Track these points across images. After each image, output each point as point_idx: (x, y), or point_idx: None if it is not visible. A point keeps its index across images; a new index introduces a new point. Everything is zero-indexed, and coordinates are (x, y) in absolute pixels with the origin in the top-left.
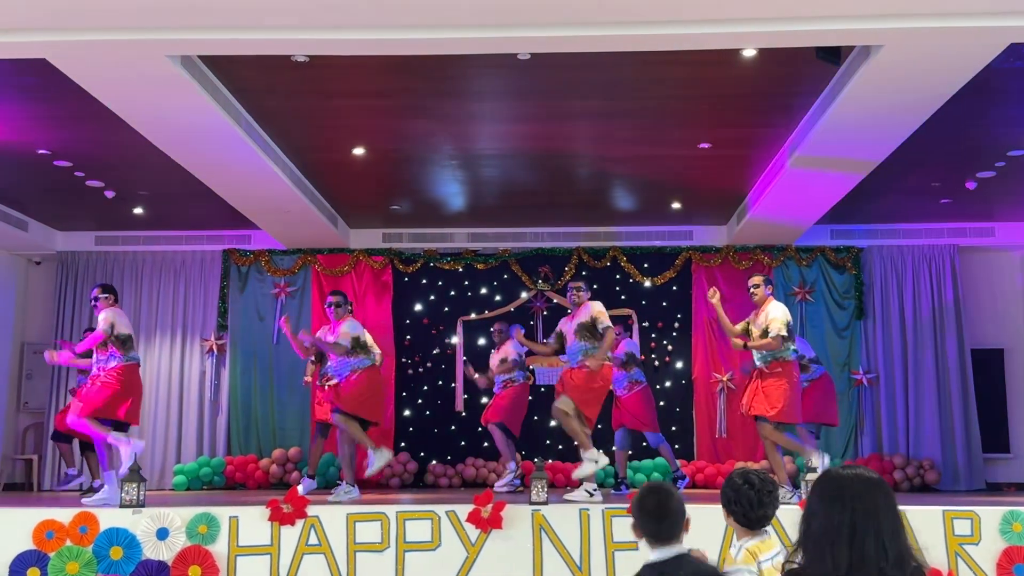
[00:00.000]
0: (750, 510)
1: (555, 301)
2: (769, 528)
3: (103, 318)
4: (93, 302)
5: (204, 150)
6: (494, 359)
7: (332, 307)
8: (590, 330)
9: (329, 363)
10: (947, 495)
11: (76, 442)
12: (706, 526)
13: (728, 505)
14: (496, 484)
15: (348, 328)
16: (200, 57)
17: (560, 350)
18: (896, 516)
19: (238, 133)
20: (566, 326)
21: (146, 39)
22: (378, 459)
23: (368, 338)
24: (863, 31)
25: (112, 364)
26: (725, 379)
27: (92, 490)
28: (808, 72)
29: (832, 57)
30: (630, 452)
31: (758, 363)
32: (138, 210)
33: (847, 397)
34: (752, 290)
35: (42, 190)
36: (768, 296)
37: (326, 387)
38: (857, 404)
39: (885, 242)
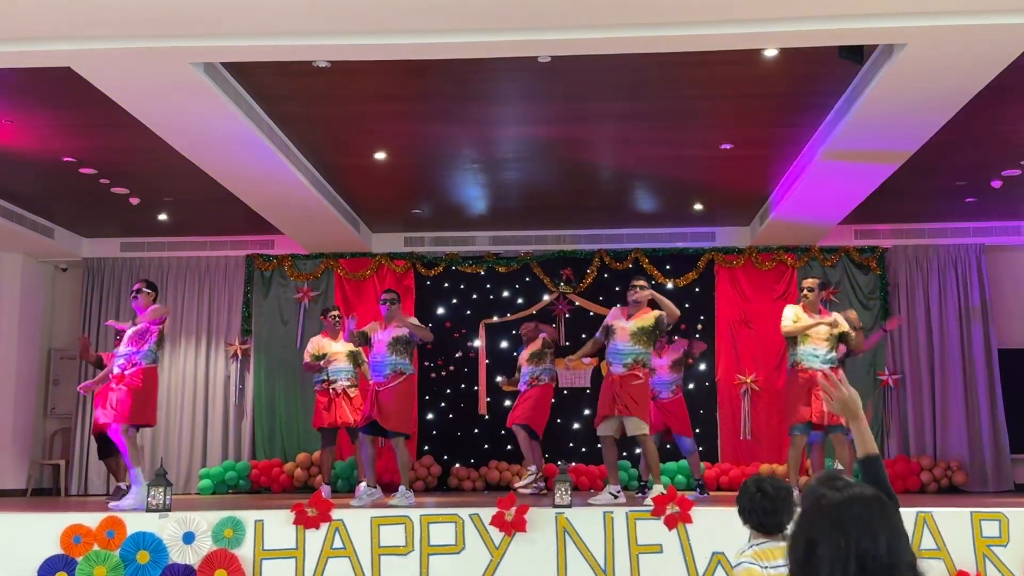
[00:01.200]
0: (764, 518)
1: (577, 304)
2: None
3: (163, 310)
4: (134, 294)
5: (227, 156)
6: (524, 354)
7: (388, 304)
8: (649, 335)
9: (339, 366)
10: (975, 496)
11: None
12: (732, 529)
13: (742, 514)
14: (517, 485)
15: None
16: (223, 64)
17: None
18: (895, 527)
19: (261, 139)
20: (619, 321)
21: (169, 47)
22: (407, 500)
23: None
24: (886, 29)
25: (145, 364)
26: (749, 381)
27: (120, 492)
28: (831, 71)
29: (855, 56)
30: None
31: (821, 365)
32: (162, 216)
33: (873, 398)
34: (807, 292)
35: (68, 197)
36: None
37: (331, 391)
38: (883, 405)
39: (910, 242)
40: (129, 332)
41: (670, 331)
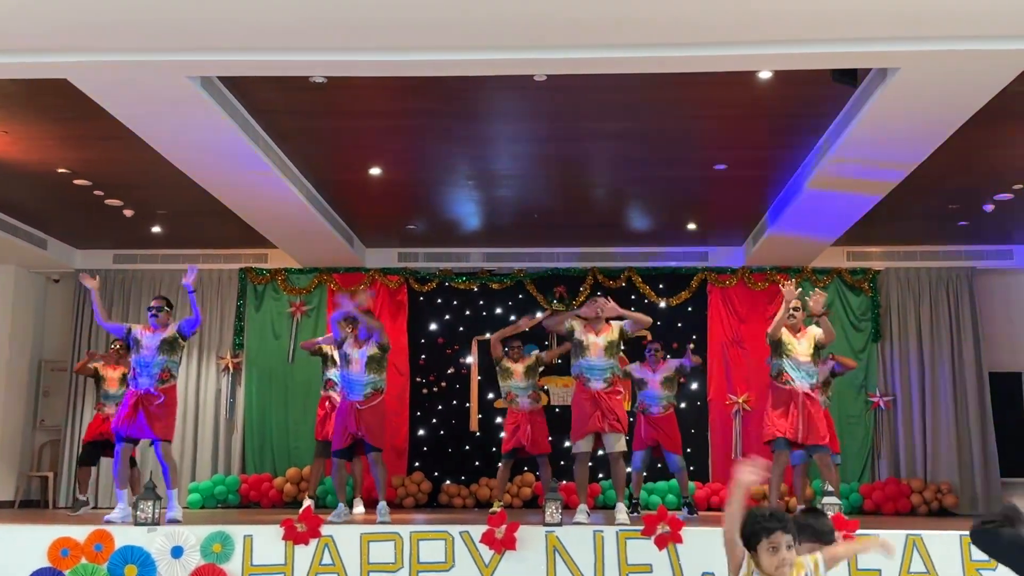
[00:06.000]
0: None
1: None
2: None
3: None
4: (155, 311)
5: (222, 170)
6: (518, 371)
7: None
8: (618, 347)
9: (331, 372)
10: (965, 519)
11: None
12: (722, 549)
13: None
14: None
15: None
16: (220, 78)
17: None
18: None
19: (256, 153)
20: (589, 336)
21: (167, 60)
22: (387, 514)
23: None
24: (879, 54)
25: (173, 379)
26: (740, 400)
27: (80, 504)
28: (824, 94)
29: (848, 79)
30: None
31: (802, 380)
32: (156, 229)
33: (864, 420)
34: (793, 312)
35: (62, 209)
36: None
37: (328, 403)
38: (874, 427)
39: (902, 264)
40: (157, 341)
41: (664, 349)
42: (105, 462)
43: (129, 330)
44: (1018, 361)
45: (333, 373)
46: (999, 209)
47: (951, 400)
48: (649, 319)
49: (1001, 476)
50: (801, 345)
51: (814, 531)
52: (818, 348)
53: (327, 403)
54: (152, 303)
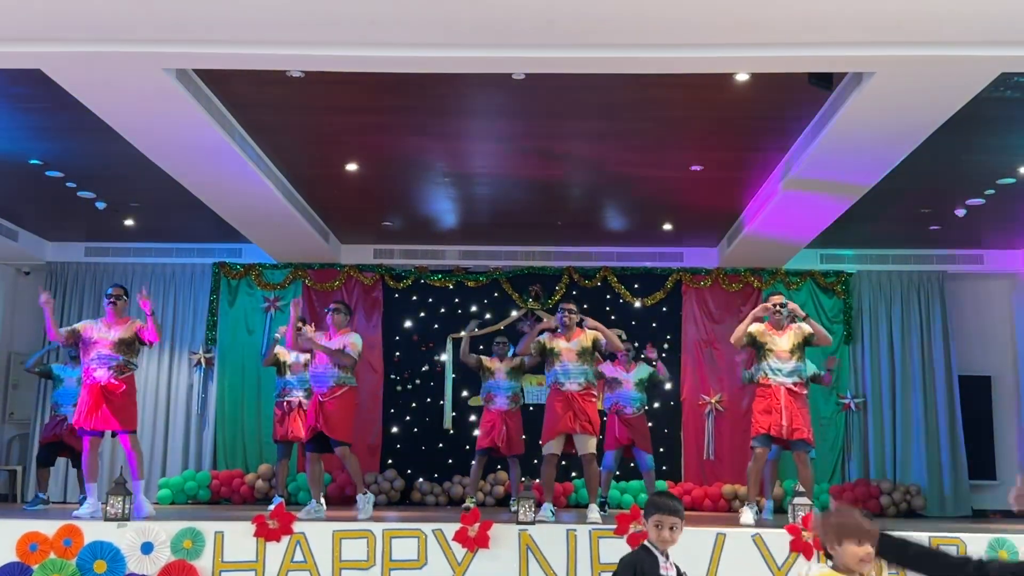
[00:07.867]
0: None
1: (545, 320)
2: None
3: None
4: (114, 300)
5: (197, 163)
6: (501, 371)
7: (333, 313)
8: (591, 354)
9: (297, 376)
10: (933, 521)
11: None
12: (694, 548)
13: None
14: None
15: (358, 341)
16: (195, 71)
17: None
18: None
19: (231, 147)
20: (559, 343)
21: (142, 52)
22: (369, 504)
23: None
24: (855, 58)
25: (132, 370)
26: (714, 401)
27: (40, 500)
28: (800, 97)
29: (824, 83)
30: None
31: (784, 379)
32: (129, 221)
33: (834, 421)
34: (780, 308)
35: (33, 200)
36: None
37: (284, 404)
38: (844, 429)
39: (874, 267)
40: (114, 338)
41: (638, 350)
42: (61, 461)
43: (79, 334)
44: (987, 364)
45: (288, 379)
46: (971, 214)
47: (921, 402)
48: (619, 344)
49: (969, 478)
50: (783, 341)
51: (669, 508)
52: (806, 343)
53: (285, 404)
54: (110, 290)
